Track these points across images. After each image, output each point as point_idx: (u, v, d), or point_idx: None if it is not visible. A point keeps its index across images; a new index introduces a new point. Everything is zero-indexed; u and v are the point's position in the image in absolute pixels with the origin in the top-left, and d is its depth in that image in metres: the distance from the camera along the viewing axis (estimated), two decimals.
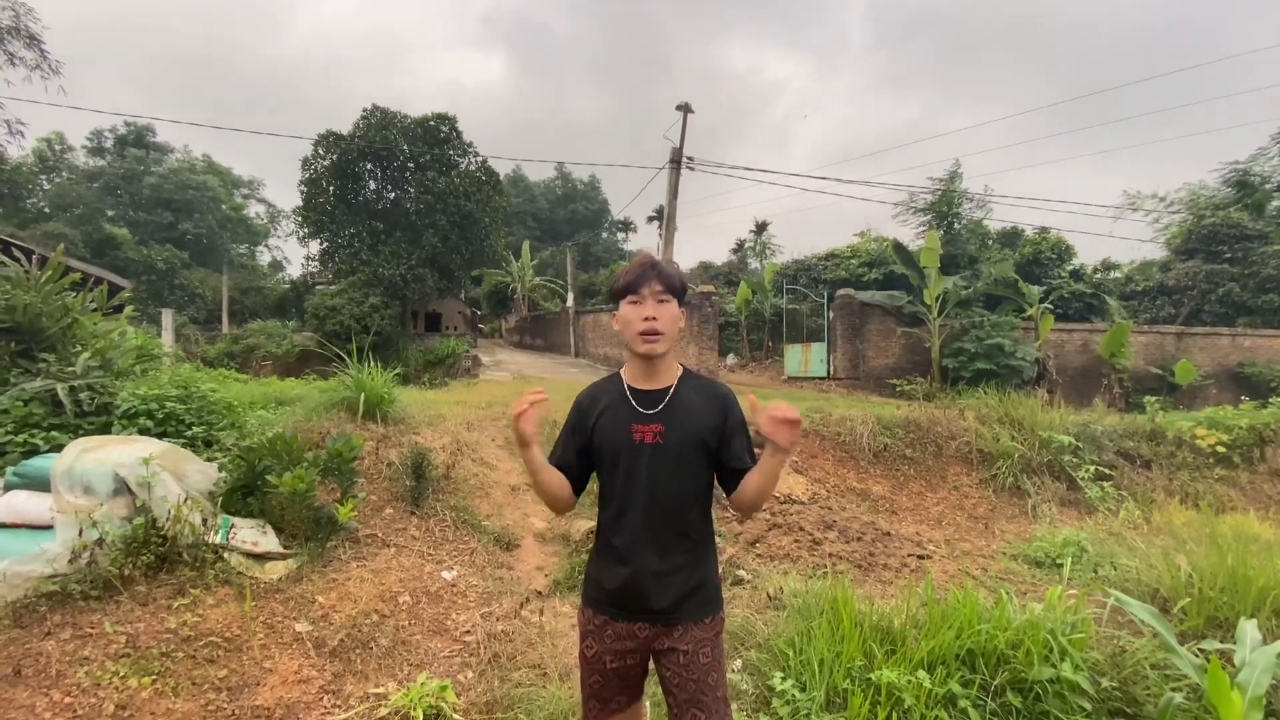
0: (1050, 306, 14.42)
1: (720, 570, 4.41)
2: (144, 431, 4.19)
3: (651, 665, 1.71)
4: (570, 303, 24.36)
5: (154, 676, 2.52)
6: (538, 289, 30.51)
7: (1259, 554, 3.94)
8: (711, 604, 1.67)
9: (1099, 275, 19.50)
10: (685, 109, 12.74)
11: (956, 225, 18.01)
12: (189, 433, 4.43)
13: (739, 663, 2.94)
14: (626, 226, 49.39)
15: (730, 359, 17.00)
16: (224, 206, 39.13)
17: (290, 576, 3.44)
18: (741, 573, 4.30)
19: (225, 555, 3.31)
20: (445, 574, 4.01)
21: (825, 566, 4.34)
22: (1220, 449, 7.69)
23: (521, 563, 4.61)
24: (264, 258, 45.63)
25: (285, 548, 3.69)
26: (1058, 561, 4.86)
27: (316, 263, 22.81)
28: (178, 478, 3.49)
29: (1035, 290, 13.40)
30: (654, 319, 1.60)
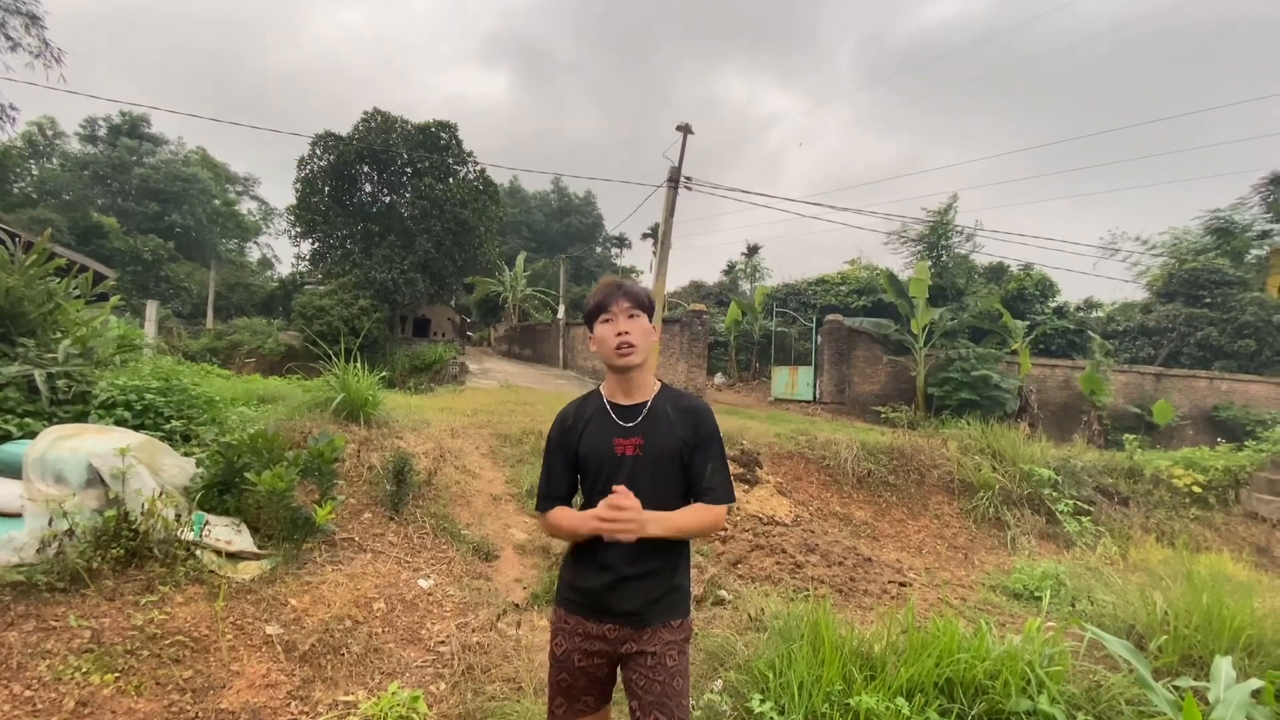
0: (1033, 341, 14.67)
1: (701, 590, 4.39)
2: (121, 423, 4.10)
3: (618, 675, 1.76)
4: (561, 314, 24.34)
5: (117, 674, 2.44)
6: (529, 299, 30.48)
7: (1234, 594, 3.99)
8: (680, 608, 1.73)
9: (1081, 313, 19.88)
10: (685, 129, 12.88)
11: (945, 258, 18.33)
12: (167, 426, 4.35)
13: (719, 683, 2.91)
14: (621, 242, 49.65)
15: (718, 378, 17.05)
16: (215, 200, 38.82)
17: (263, 577, 3.36)
18: (723, 593, 4.27)
19: (197, 553, 3.23)
20: (422, 582, 3.94)
21: (807, 589, 4.32)
22: (1196, 489, 7.80)
23: (500, 574, 4.54)
24: (254, 255, 45.26)
25: (260, 548, 3.61)
26: (1036, 594, 4.88)
27: (307, 262, 22.66)
28: (153, 471, 3.42)
29: (1020, 325, 13.62)
30: (627, 333, 1.68)
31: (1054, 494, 7.24)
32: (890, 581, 4.94)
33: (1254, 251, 20.42)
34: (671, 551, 1.71)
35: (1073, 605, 4.56)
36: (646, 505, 1.63)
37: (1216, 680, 2.41)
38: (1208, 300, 17.46)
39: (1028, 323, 14.92)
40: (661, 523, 1.62)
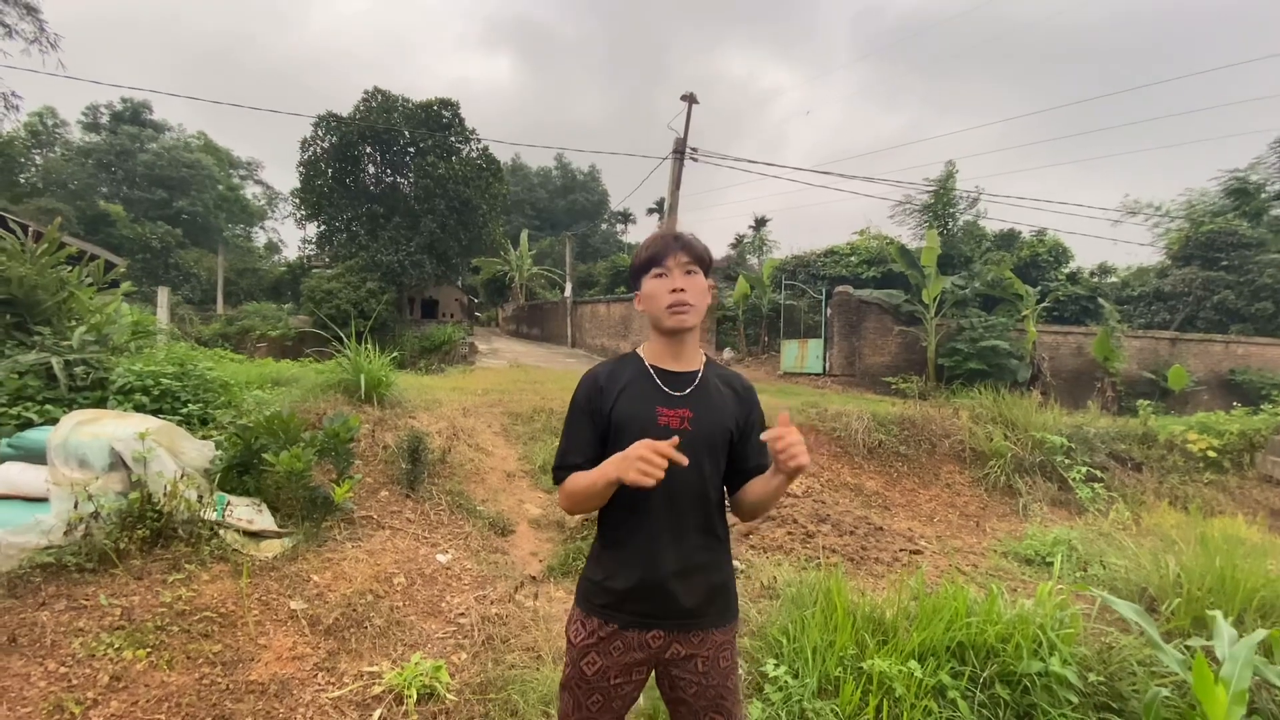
0: (1048, 308, 14.49)
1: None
2: (139, 408, 4.17)
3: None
4: (568, 293, 24.31)
5: (149, 649, 2.52)
6: (535, 278, 30.42)
7: (1247, 556, 3.99)
8: (732, 608, 1.56)
9: (1096, 279, 19.59)
10: (690, 99, 12.68)
11: (952, 226, 18.08)
12: (184, 410, 4.41)
13: None
14: (626, 218, 49.24)
15: (727, 353, 17.02)
16: (220, 186, 38.80)
17: (285, 555, 3.44)
18: (735, 563, 4.32)
19: (221, 532, 3.31)
20: (440, 557, 4.02)
21: (818, 558, 4.37)
22: (1211, 454, 7.76)
23: (516, 548, 4.62)
24: (260, 239, 45.35)
25: (280, 527, 3.69)
26: (1048, 559, 4.90)
27: (313, 246, 22.69)
28: (173, 454, 3.48)
29: (1032, 292, 13.45)
30: (683, 290, 1.48)
31: (1066, 461, 7.23)
32: (901, 550, 4.98)
33: (1273, 211, 19.95)
34: (719, 543, 1.53)
35: (1084, 570, 4.59)
36: (690, 487, 1.46)
37: (1219, 638, 2.43)
38: (1225, 263, 17.14)
39: (1039, 289, 14.74)
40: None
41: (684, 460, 1.31)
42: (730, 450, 1.54)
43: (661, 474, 1.27)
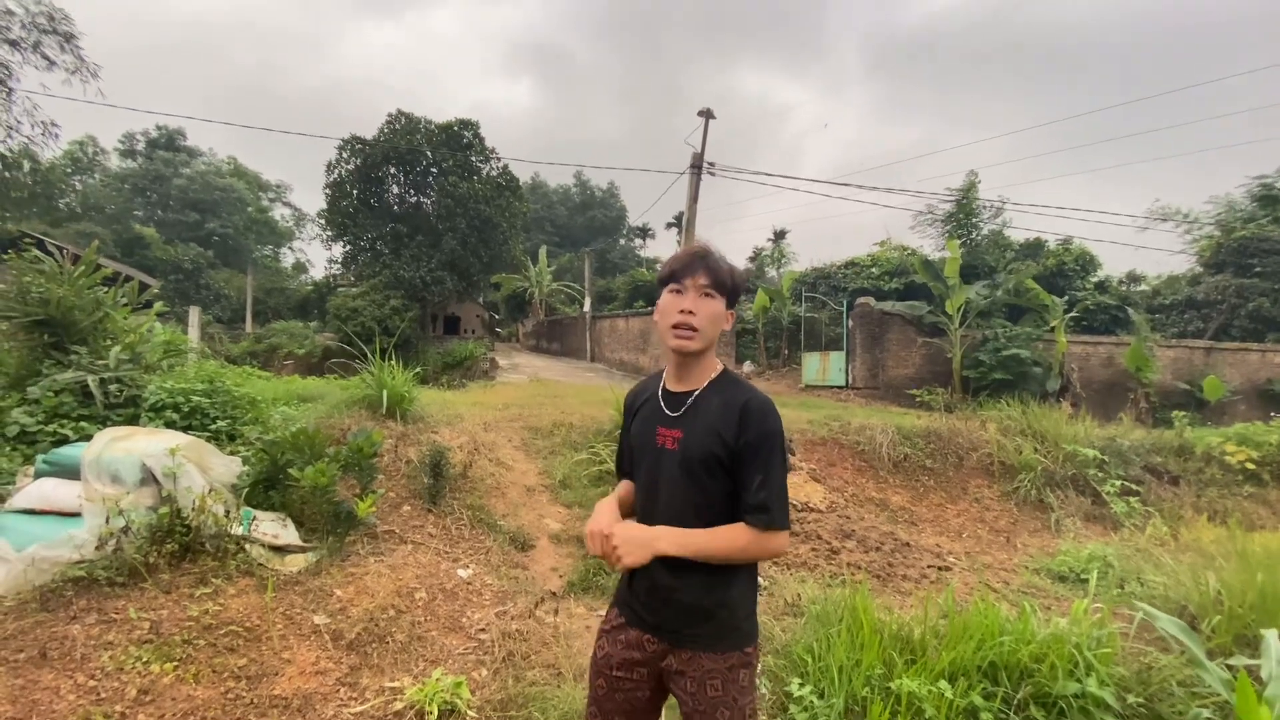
0: (1076, 318, 14.18)
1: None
2: (170, 424, 4.27)
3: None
4: (587, 308, 24.46)
5: (176, 663, 2.56)
6: (555, 294, 30.69)
7: None
8: (730, 636, 1.46)
9: (1125, 287, 19.14)
10: (707, 115, 12.77)
11: (976, 236, 17.85)
12: (213, 426, 4.51)
13: (757, 667, 2.91)
14: (644, 233, 49.55)
15: (747, 366, 16.93)
16: (250, 209, 39.94)
17: (309, 569, 3.47)
18: (759, 580, 4.25)
19: (247, 547, 3.35)
20: (461, 572, 4.02)
21: (843, 575, 4.28)
22: (1250, 466, 7.48)
23: (536, 563, 4.61)
24: (288, 260, 46.49)
25: (305, 541, 3.73)
26: (1082, 576, 4.75)
27: (339, 265, 23.20)
28: (202, 470, 3.55)
29: (1059, 301, 13.19)
30: (691, 313, 1.44)
31: (1099, 474, 7.02)
32: (929, 566, 4.87)
33: None
34: (716, 568, 1.44)
35: (1121, 587, 4.43)
36: (682, 509, 1.44)
37: (1267, 655, 2.32)
38: (1259, 270, 16.64)
39: (1067, 299, 14.44)
40: (675, 541, 1.39)
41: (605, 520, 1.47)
42: (730, 472, 1.45)
43: (620, 559, 1.40)
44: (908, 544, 5.23)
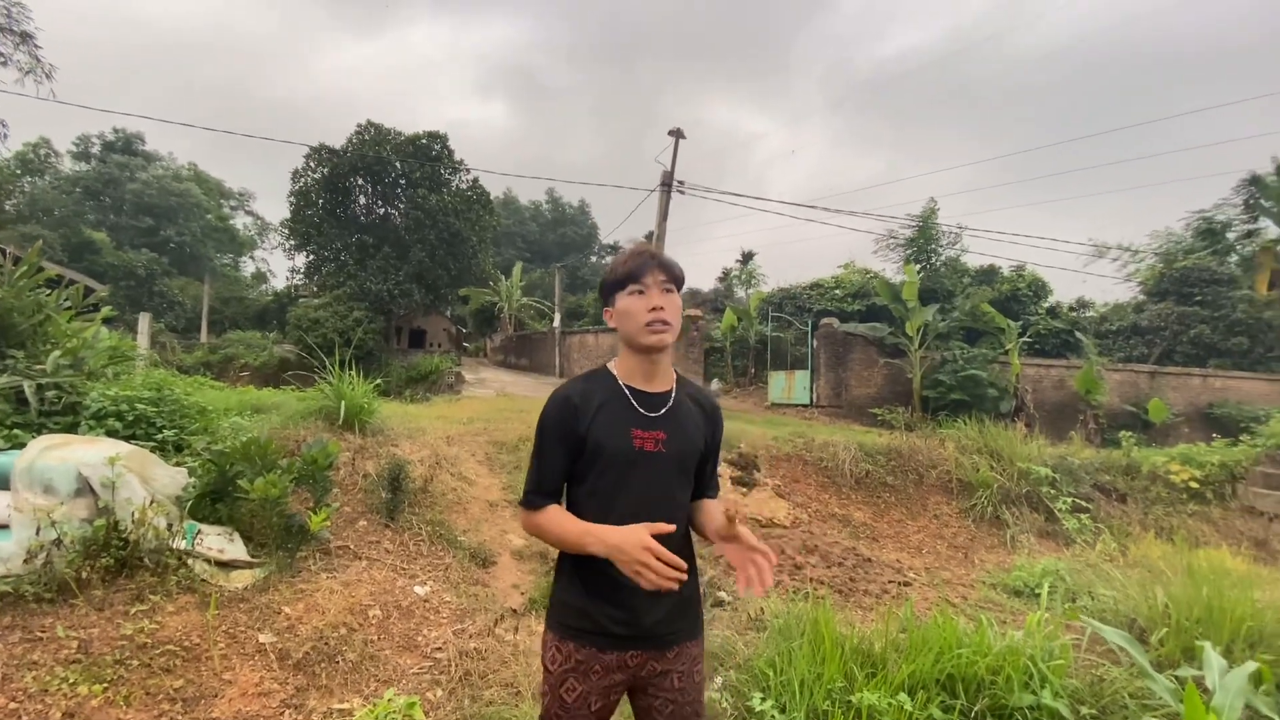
0: (1029, 342, 14.70)
1: (701, 591, 4.36)
2: (112, 433, 4.06)
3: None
4: (557, 323, 24.36)
5: (105, 684, 2.40)
6: (525, 309, 30.49)
7: (1233, 587, 3.98)
8: (700, 621, 1.60)
9: (1074, 313, 19.97)
10: (677, 134, 12.97)
11: (935, 261, 18.46)
12: (159, 436, 4.30)
13: (719, 681, 2.88)
14: (615, 250, 49.73)
15: (715, 384, 17.03)
16: (209, 215, 38.79)
17: (256, 586, 3.32)
18: (722, 594, 4.23)
19: (189, 562, 3.19)
20: (418, 589, 3.90)
21: (806, 590, 4.29)
22: (1193, 485, 7.80)
23: (497, 580, 4.51)
24: (248, 269, 45.20)
25: (253, 556, 3.57)
26: (1036, 591, 4.85)
27: (301, 275, 22.60)
28: (144, 481, 3.38)
29: (1014, 325, 13.67)
30: (662, 308, 1.45)
31: (1052, 492, 7.23)
32: (890, 581, 4.92)
33: (1240, 251, 20.59)
34: (688, 557, 1.49)
35: (1073, 601, 4.54)
36: (662, 507, 1.45)
37: (1209, 667, 2.40)
38: (1199, 298, 17.56)
39: (1020, 323, 14.97)
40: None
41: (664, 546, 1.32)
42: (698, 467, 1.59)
43: (667, 583, 1.29)
44: (869, 559, 5.28)
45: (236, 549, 3.55)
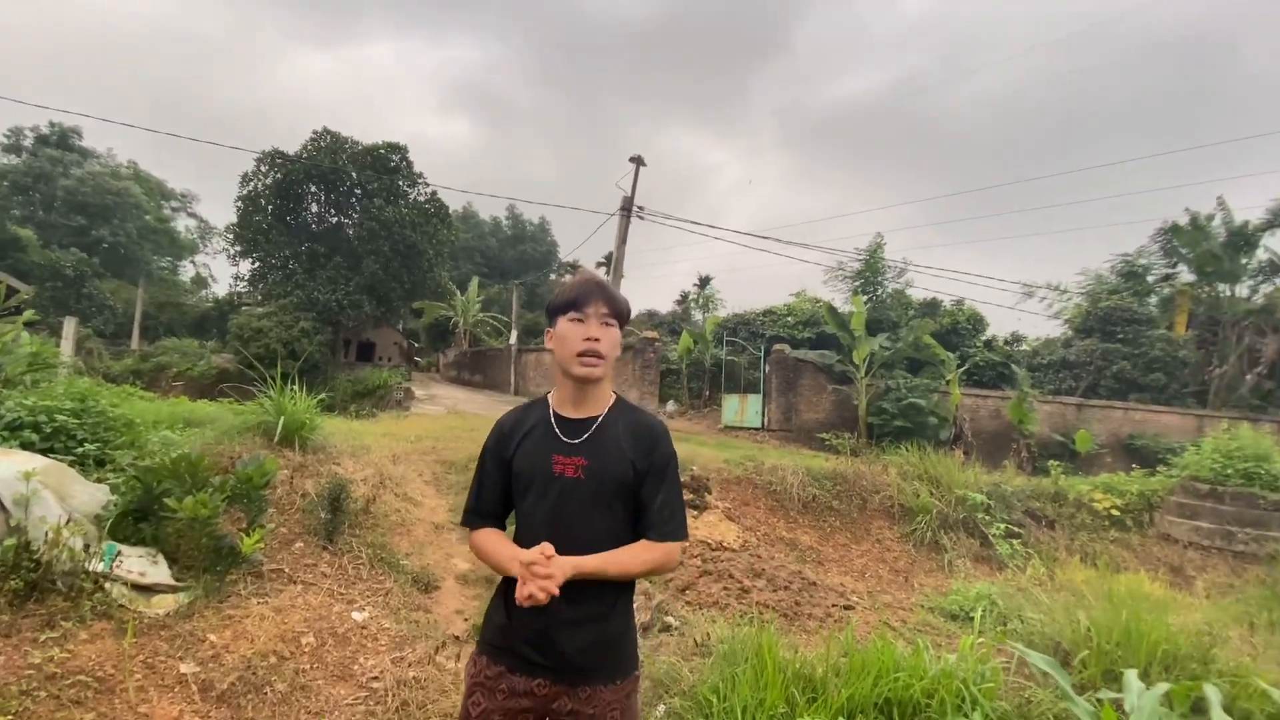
0: (968, 372, 15.40)
1: (648, 616, 4.34)
2: (28, 445, 3.80)
3: None
4: (513, 340, 24.11)
5: (10, 716, 2.22)
6: (481, 325, 30.09)
7: (1150, 611, 4.23)
8: (626, 664, 1.51)
9: (1009, 347, 21.04)
10: (638, 161, 13.19)
11: (881, 293, 19.22)
12: (79, 450, 4.04)
13: (661, 709, 2.87)
14: (575, 269, 49.71)
15: (670, 406, 17.15)
16: (148, 216, 36.95)
17: (180, 611, 3.14)
18: (670, 619, 4.23)
19: (106, 585, 3.00)
20: (356, 615, 3.76)
21: (752, 614, 4.34)
22: (1115, 512, 8.27)
23: (440, 605, 4.38)
24: (188, 273, 43.18)
25: (178, 580, 3.38)
26: (970, 614, 5.03)
27: (245, 283, 21.75)
28: (61, 497, 3.17)
29: (953, 357, 14.30)
30: (597, 340, 1.47)
31: (987, 518, 7.54)
32: (834, 605, 5.01)
33: (1159, 293, 22.19)
34: (614, 594, 1.49)
35: (1004, 624, 4.73)
36: (584, 536, 1.44)
37: (1129, 690, 2.55)
38: (1121, 336, 18.77)
39: (959, 354, 15.68)
40: (593, 569, 1.40)
41: (548, 572, 1.35)
42: (635, 494, 1.52)
43: (543, 594, 1.33)
44: (814, 583, 5.38)
45: (159, 572, 3.35)
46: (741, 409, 14.93)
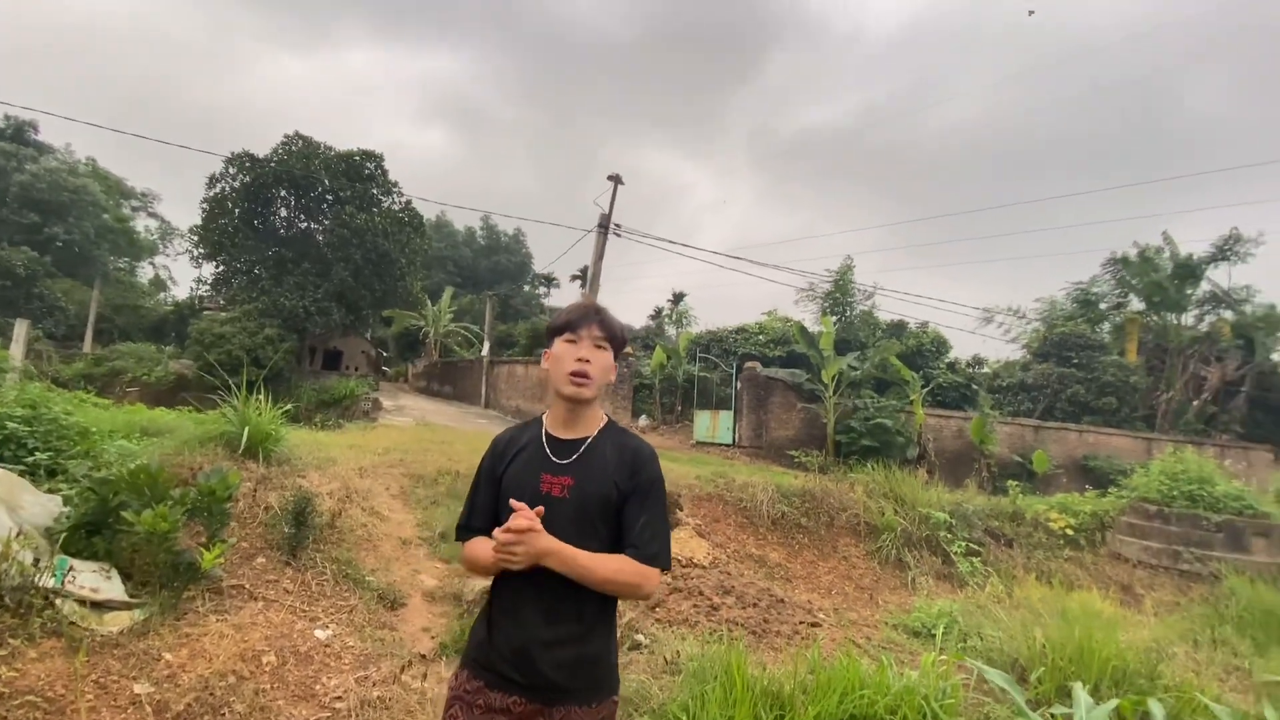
0: (932, 393, 15.81)
1: (619, 634, 4.33)
2: None
3: None
4: (486, 352, 23.88)
5: None
6: (452, 335, 29.75)
7: (1102, 629, 4.39)
8: (603, 687, 1.52)
9: (971, 369, 21.68)
10: (616, 180, 13.32)
11: (850, 314, 19.68)
12: (30, 459, 3.90)
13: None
14: (549, 281, 49.56)
15: (643, 420, 17.17)
16: (106, 215, 35.72)
17: (134, 629, 3.03)
18: (640, 637, 4.23)
19: (57, 602, 2.88)
20: (319, 633, 3.68)
21: (721, 631, 4.37)
22: (1069, 531, 8.55)
23: (406, 623, 4.31)
24: (146, 275, 41.77)
25: (133, 596, 3.27)
26: (933, 631, 5.15)
27: (208, 287, 21.18)
28: (11, 509, 3.05)
29: (918, 378, 14.68)
30: (587, 361, 1.53)
31: (949, 536, 7.72)
32: (801, 622, 5.07)
33: (1112, 320, 23.18)
34: (593, 616, 1.50)
35: (965, 641, 4.85)
36: None
37: (1078, 705, 2.65)
38: (1075, 361, 19.52)
39: (924, 375, 16.10)
40: (563, 557, 1.40)
41: (525, 515, 1.38)
42: (618, 516, 1.54)
43: (516, 555, 1.37)
44: (782, 600, 5.43)
45: (113, 588, 3.24)
46: (713, 425, 15.04)
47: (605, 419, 1.64)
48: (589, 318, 1.57)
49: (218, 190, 19.51)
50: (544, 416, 1.65)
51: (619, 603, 1.64)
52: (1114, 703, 2.83)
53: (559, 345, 1.57)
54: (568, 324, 1.57)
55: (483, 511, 1.60)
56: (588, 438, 1.58)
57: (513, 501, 1.43)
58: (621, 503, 1.53)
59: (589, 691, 1.48)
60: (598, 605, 1.52)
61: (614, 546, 1.52)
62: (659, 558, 1.51)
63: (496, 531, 1.41)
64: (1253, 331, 19.66)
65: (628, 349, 16.32)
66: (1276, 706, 3.60)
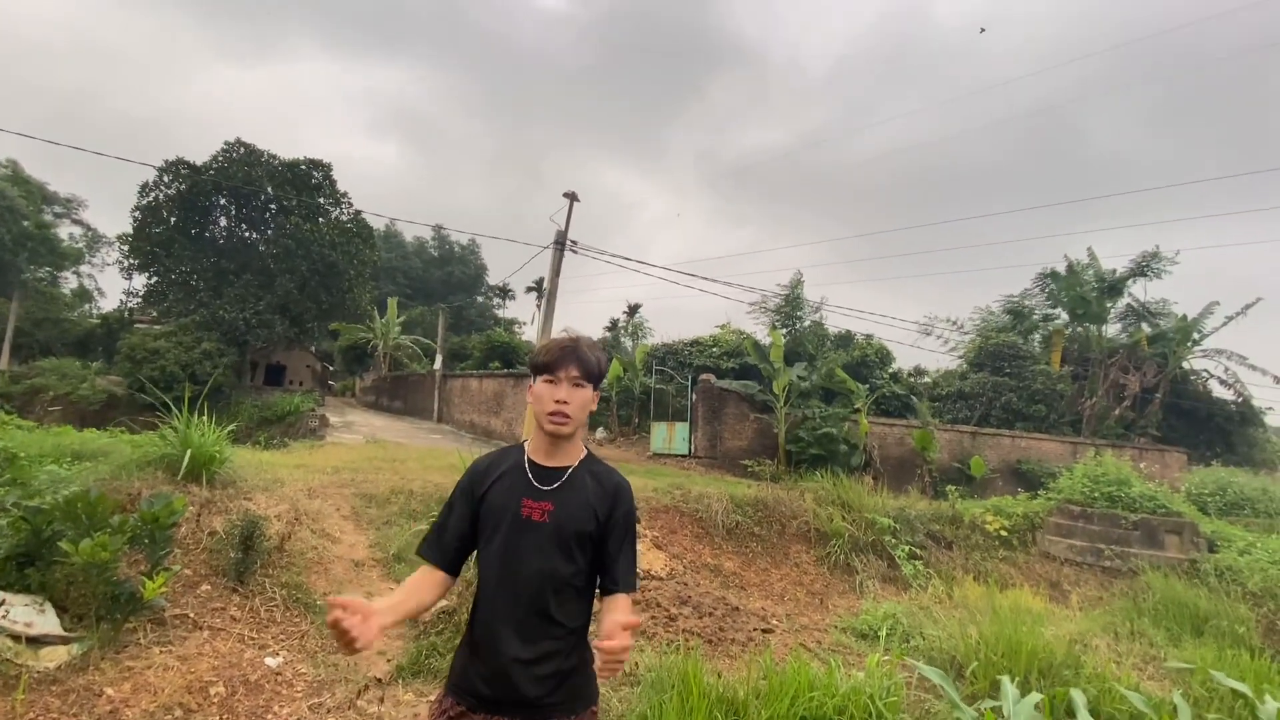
0: (876, 402, 16.43)
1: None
2: None
3: None
4: (438, 365, 23.42)
5: None
6: (402, 348, 29.06)
7: (1030, 625, 4.70)
8: (583, 699, 1.60)
9: (913, 379, 22.62)
10: (572, 197, 13.40)
11: (799, 326, 20.29)
12: None
13: None
14: (504, 293, 49.09)
15: (600, 433, 17.20)
16: (26, 222, 33.50)
17: (73, 664, 2.92)
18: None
19: None
20: (269, 660, 3.60)
21: (678, 641, 4.47)
22: (1003, 533, 9.05)
23: None
24: (70, 285, 39.27)
25: (69, 630, 3.14)
26: (878, 633, 5.39)
27: (140, 299, 20.15)
28: None
29: (862, 388, 15.24)
30: (565, 403, 1.61)
31: (894, 540, 8.07)
32: (755, 629, 5.23)
33: (1041, 332, 24.61)
34: (570, 633, 1.59)
35: (907, 641, 5.10)
36: (536, 576, 1.56)
37: (1005, 698, 2.87)
38: (1008, 371, 20.62)
39: (868, 385, 16.72)
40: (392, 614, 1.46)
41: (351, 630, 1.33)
42: (596, 545, 1.64)
43: (349, 646, 1.32)
44: (737, 608, 5.58)
45: (47, 621, 3.10)
46: (669, 436, 15.21)
47: (585, 451, 1.74)
48: (566, 359, 1.64)
49: (151, 199, 18.63)
50: (525, 444, 1.73)
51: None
52: (1037, 696, 3.06)
53: (540, 385, 1.66)
54: (547, 365, 1.65)
55: (452, 533, 1.65)
56: (569, 467, 1.67)
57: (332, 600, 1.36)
58: (600, 533, 1.63)
59: (570, 703, 1.57)
60: (574, 625, 1.61)
61: (589, 569, 1.64)
62: (634, 585, 1.67)
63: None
64: (1167, 342, 21.24)
65: None
66: (1185, 693, 3.95)
